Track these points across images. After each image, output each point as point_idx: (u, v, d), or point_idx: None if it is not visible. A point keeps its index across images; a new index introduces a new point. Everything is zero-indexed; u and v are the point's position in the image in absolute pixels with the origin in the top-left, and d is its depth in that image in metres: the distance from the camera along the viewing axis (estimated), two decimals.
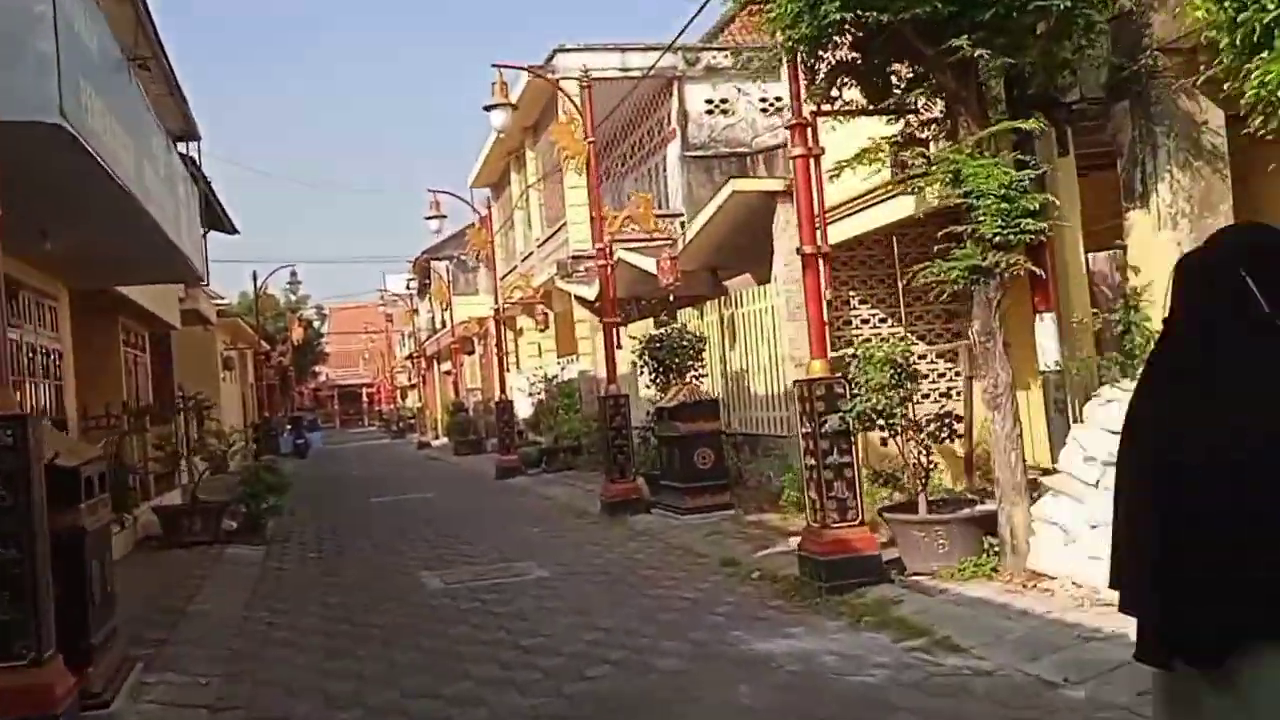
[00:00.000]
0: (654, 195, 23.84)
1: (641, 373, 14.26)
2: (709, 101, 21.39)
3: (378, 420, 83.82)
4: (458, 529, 13.46)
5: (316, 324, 50.93)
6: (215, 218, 26.41)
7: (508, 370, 22.04)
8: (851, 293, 12.57)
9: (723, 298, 14.67)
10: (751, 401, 13.70)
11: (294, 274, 31.70)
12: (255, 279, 30.12)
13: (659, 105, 22.13)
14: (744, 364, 13.95)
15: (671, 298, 13.89)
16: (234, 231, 27.40)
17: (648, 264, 15.55)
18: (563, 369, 22.14)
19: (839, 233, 11.64)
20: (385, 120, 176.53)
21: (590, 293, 19.79)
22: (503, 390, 21.42)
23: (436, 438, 41.68)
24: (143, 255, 10.94)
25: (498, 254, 31.53)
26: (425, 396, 43.92)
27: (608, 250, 13.53)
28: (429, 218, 21.73)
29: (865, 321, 12.55)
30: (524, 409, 26.18)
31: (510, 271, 27.96)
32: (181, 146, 20.51)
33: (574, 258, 21.50)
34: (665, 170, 22.93)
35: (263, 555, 12.19)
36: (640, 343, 13.70)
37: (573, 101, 14.56)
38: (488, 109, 20.37)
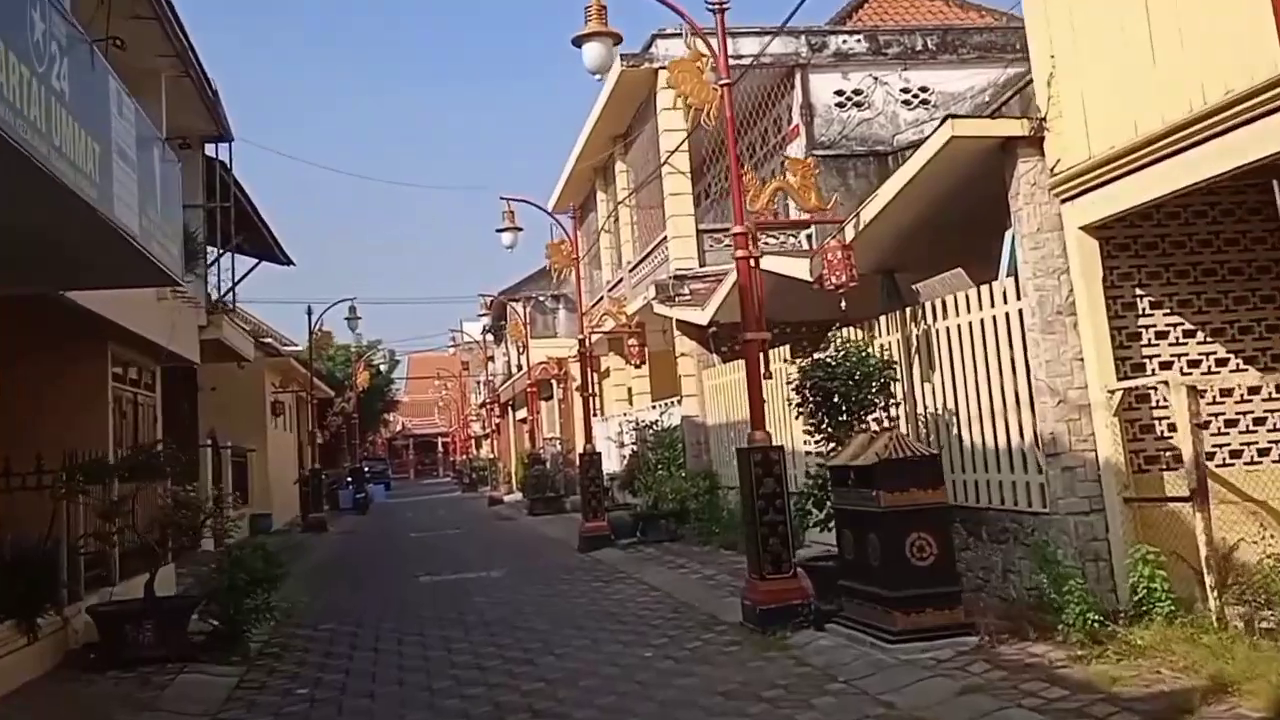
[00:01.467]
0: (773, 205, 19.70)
1: (796, 416, 9.95)
2: (839, 93, 17.24)
3: (452, 471, 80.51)
4: (531, 643, 9.16)
5: (384, 368, 47.39)
6: (266, 246, 22.92)
7: (594, 415, 17.76)
8: (1139, 291, 8.15)
9: (907, 310, 10.30)
10: (966, 457, 9.25)
11: (353, 309, 27.98)
12: (310, 314, 26.54)
13: (778, 99, 17.99)
14: (949, 401, 9.53)
15: (842, 306, 9.56)
16: (288, 262, 24.07)
17: (795, 269, 11.27)
18: (662, 414, 17.86)
19: (1117, 195, 7.35)
20: (460, 153, 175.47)
21: (700, 316, 15.52)
22: (588, 439, 17.20)
23: (510, 491, 37.62)
24: (76, 242, 7.10)
25: (581, 286, 27.61)
26: (499, 447, 39.91)
27: (749, 236, 9.22)
28: (502, 230, 17.71)
29: (1163, 335, 8.11)
30: (611, 463, 22.02)
31: (596, 303, 23.86)
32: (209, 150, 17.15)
33: (677, 277, 17.32)
34: (785, 175, 18.73)
35: (231, 686, 8.01)
36: (799, 372, 9.39)
37: (693, 27, 10.37)
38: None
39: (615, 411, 24.24)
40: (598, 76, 15.85)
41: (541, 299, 43.84)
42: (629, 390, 23.57)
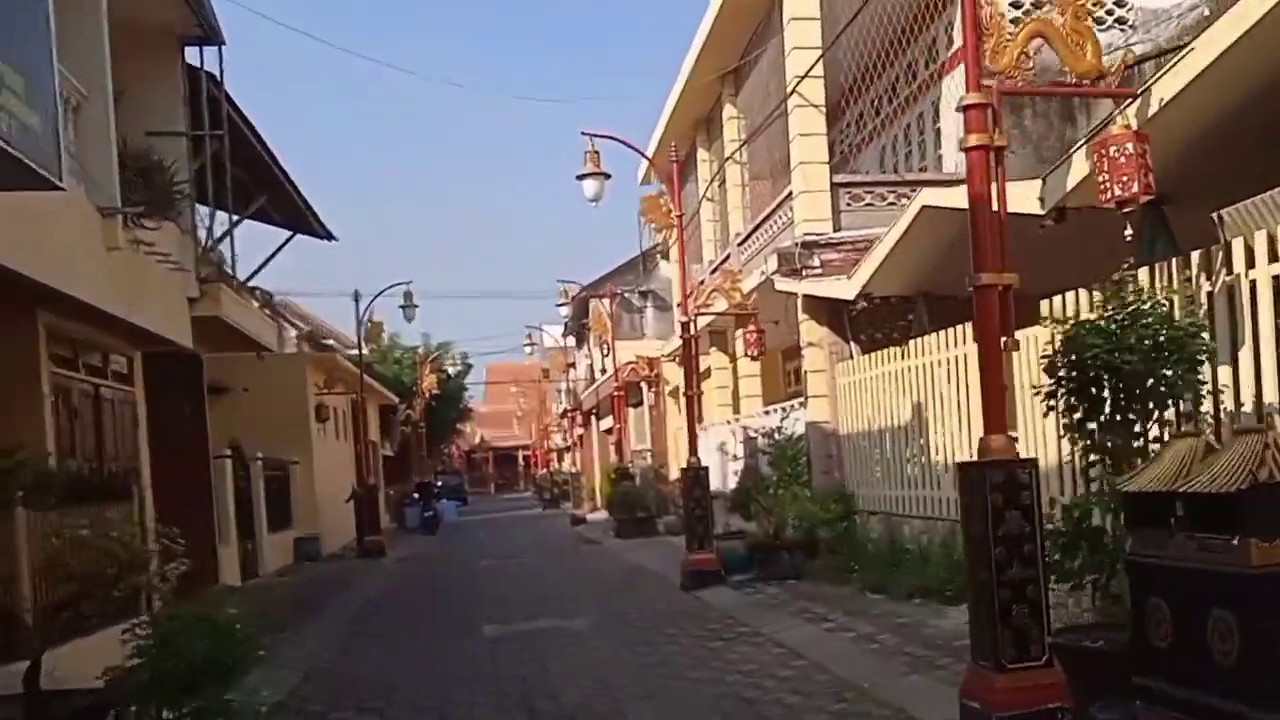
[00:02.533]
0: (916, 159, 16.22)
1: (1046, 413, 6.47)
2: (1015, 5, 13.67)
3: (532, 486, 77.65)
4: None
5: (455, 372, 44.45)
6: (295, 212, 19.78)
7: (699, 422, 14.38)
8: None
9: (1195, 255, 6.76)
10: None
11: (408, 295, 24.88)
12: (357, 301, 23.54)
13: (926, 25, 14.50)
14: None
15: (1127, 235, 6.05)
16: (328, 236, 21.08)
17: (1021, 195, 7.73)
18: (784, 420, 14.40)
19: None
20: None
21: (843, 289, 12.07)
22: (693, 451, 13.81)
23: (594, 509, 34.37)
24: None
25: (684, 253, 24.27)
26: (581, 460, 36.73)
27: (986, 112, 5.72)
28: (582, 176, 14.39)
29: None
30: (713, 480, 18.66)
31: (698, 286, 20.54)
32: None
33: (804, 245, 13.88)
34: (936, 120, 15.27)
35: None
36: (1058, 351, 5.89)
37: None
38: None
39: (716, 419, 20.85)
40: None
41: (627, 295, 40.64)
42: (733, 393, 20.18)
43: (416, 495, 33.78)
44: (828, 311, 13.77)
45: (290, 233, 20.87)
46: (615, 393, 25.30)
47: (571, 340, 54.23)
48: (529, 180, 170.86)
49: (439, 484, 51.09)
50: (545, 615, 12.13)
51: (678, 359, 24.90)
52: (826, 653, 8.31)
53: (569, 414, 32.91)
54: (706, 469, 13.68)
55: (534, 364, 63.60)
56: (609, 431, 37.08)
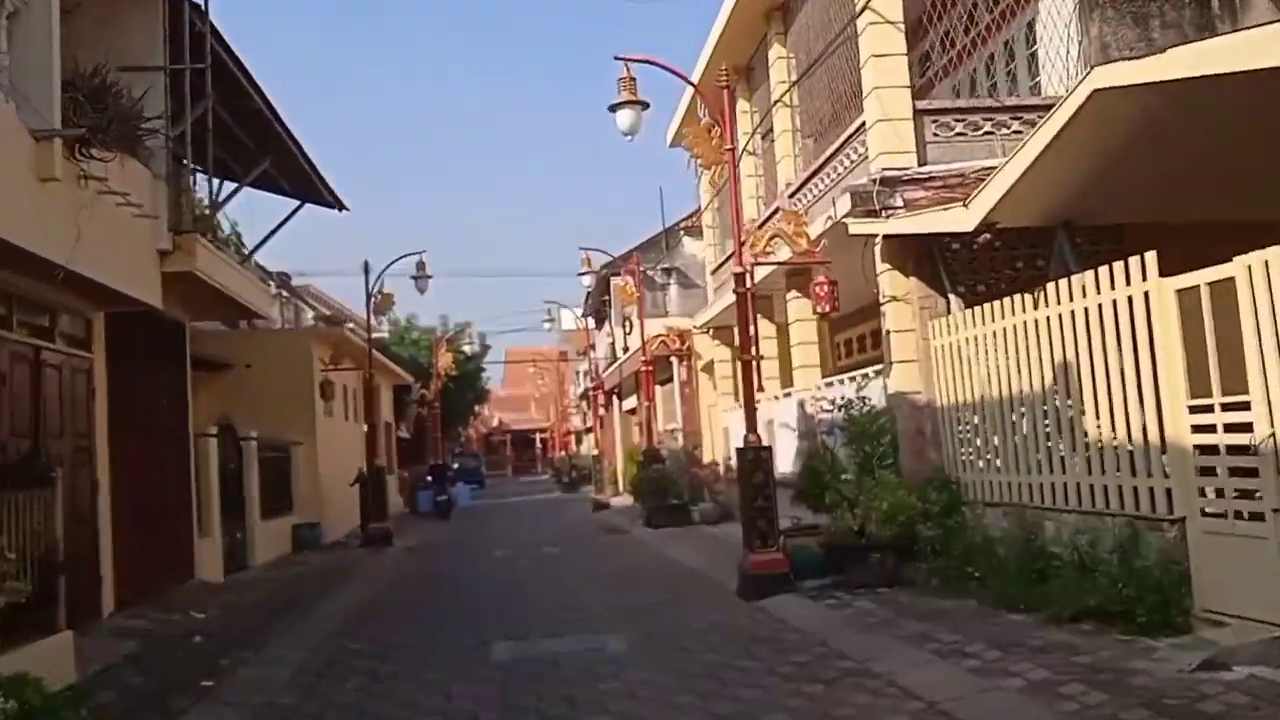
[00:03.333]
0: (1005, 91, 13.60)
1: None
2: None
3: (551, 469, 75.46)
4: None
5: (469, 349, 41.94)
6: (310, 186, 17.65)
7: (758, 391, 11.78)
8: None
9: None
10: None
11: (421, 266, 22.34)
12: (367, 272, 21.00)
13: None
14: None
15: None
16: (339, 205, 18.98)
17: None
18: (860, 391, 11.80)
19: None
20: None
21: (958, 219, 9.50)
22: (752, 426, 11.24)
23: (617, 493, 31.94)
24: None
25: (739, 192, 21.77)
26: (603, 443, 34.29)
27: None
28: (616, 107, 11.86)
29: None
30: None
31: (756, 231, 18.04)
32: None
33: (883, 181, 11.32)
34: (1033, 36, 12.76)
35: None
36: None
37: None
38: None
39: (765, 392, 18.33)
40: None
41: (649, 273, 38.23)
42: (781, 365, 17.64)
43: (430, 478, 31.38)
44: (917, 258, 11.25)
45: (299, 202, 18.87)
46: (643, 368, 22.74)
47: (591, 322, 51.90)
48: (549, 159, 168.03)
49: (455, 466, 48.85)
50: (571, 629, 9.68)
51: (711, 331, 22.44)
52: (997, 715, 5.79)
53: (591, 391, 30.40)
54: (769, 449, 11.13)
55: (553, 349, 61.30)
56: (632, 412, 34.63)
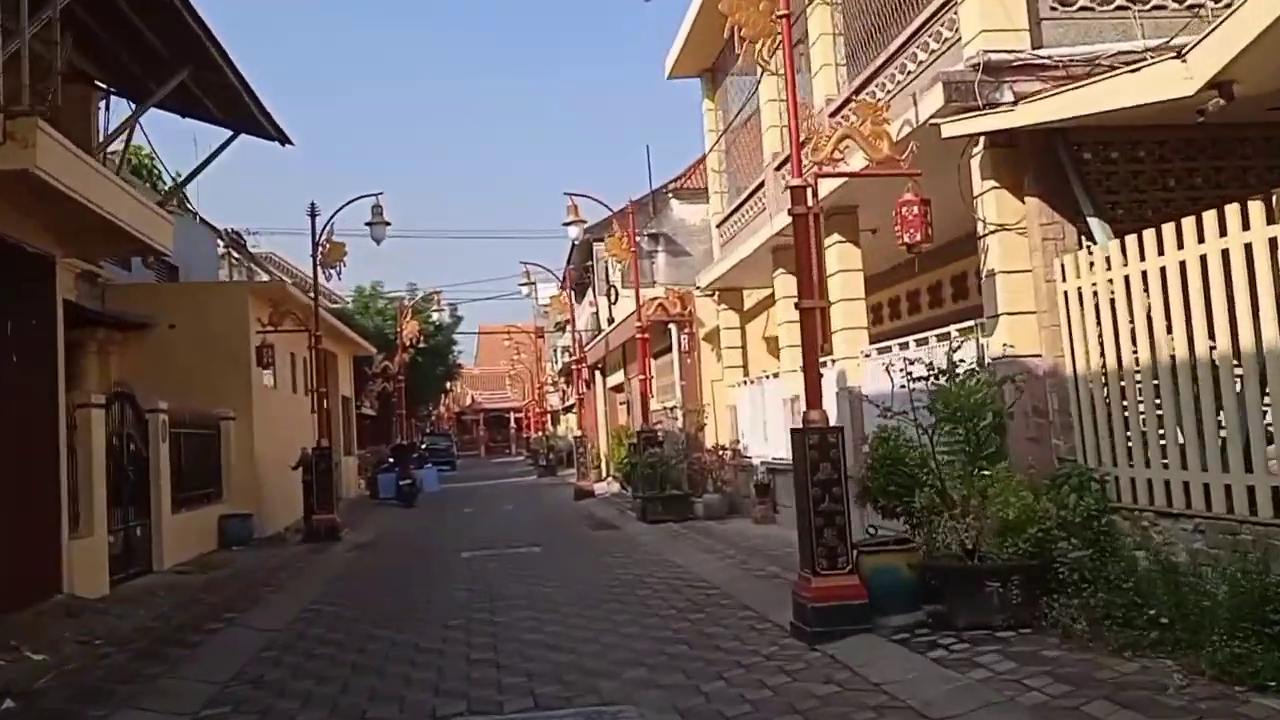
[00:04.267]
0: None
1: None
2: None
3: (525, 449, 72.41)
4: None
5: (439, 318, 38.57)
6: (243, 110, 14.26)
7: (821, 349, 8.65)
8: None
9: None
10: None
11: (378, 210, 18.90)
12: (313, 217, 17.62)
13: None
14: None
15: None
16: (284, 140, 15.91)
17: None
18: (952, 352, 8.72)
19: None
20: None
21: (1160, 85, 6.39)
22: (814, 401, 8.10)
23: (600, 478, 28.92)
24: None
25: (721, 164, 18.68)
26: (584, 422, 31.21)
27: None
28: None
29: None
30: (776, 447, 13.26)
31: (815, 131, 15.08)
32: None
33: (987, 68, 8.25)
34: None
35: None
36: None
37: None
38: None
39: (787, 364, 15.33)
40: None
41: (636, 239, 35.19)
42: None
43: (391, 460, 28.21)
44: (1038, 172, 8.22)
45: (231, 132, 15.81)
46: (638, 335, 19.63)
47: (571, 295, 48.67)
48: (531, 123, 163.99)
49: (423, 446, 45.60)
50: (563, 684, 6.66)
51: (716, 294, 19.40)
52: None
53: (574, 366, 27.26)
54: (838, 432, 8.03)
55: (529, 325, 58.08)
56: (618, 389, 31.60)
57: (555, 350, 57.02)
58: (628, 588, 10.85)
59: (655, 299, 19.98)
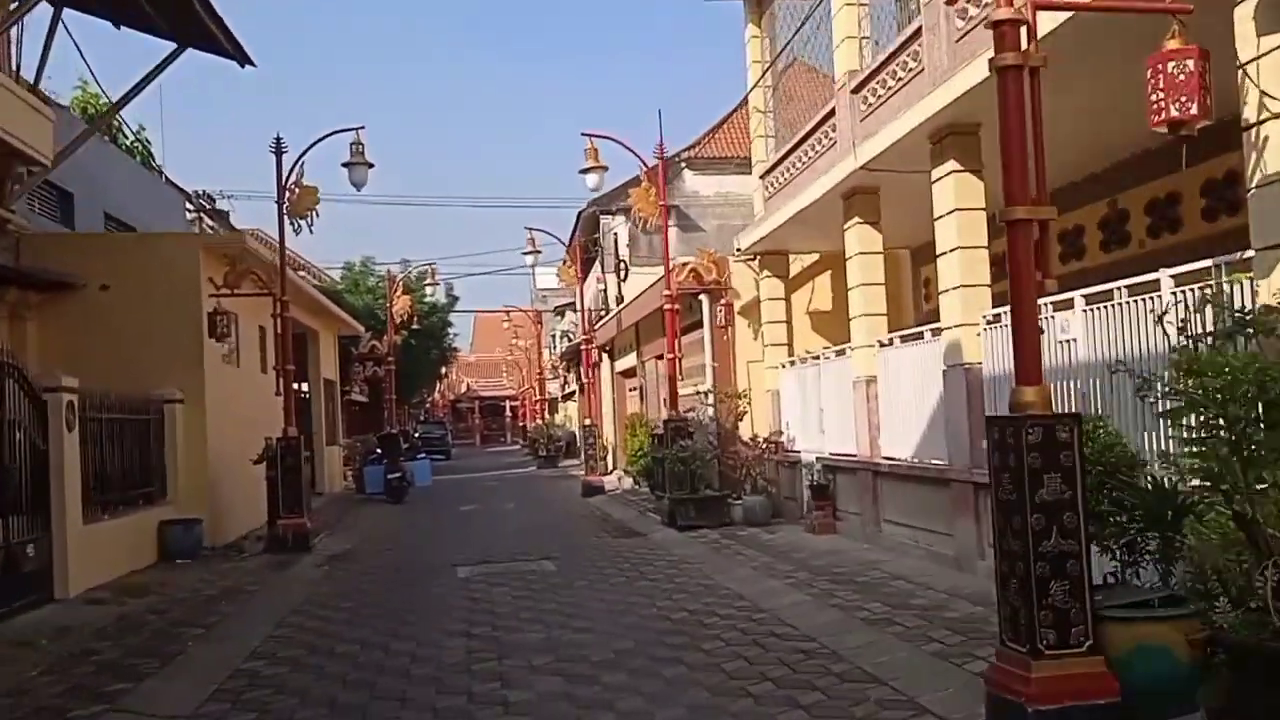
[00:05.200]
0: None
1: None
2: None
3: (521, 438, 69.42)
4: None
5: (432, 295, 35.39)
6: (193, 18, 11.07)
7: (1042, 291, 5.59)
8: None
9: None
10: None
11: (359, 149, 15.67)
12: (278, 154, 14.45)
13: None
14: None
15: None
16: (243, 59, 13.15)
17: None
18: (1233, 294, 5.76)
19: None
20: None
21: None
22: (1030, 373, 5.07)
23: (607, 471, 25.89)
24: None
25: (767, 104, 15.63)
26: (591, 410, 28.20)
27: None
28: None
29: None
30: (831, 444, 10.40)
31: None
32: None
33: None
34: None
35: None
36: None
37: None
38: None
39: (860, 338, 12.43)
40: None
41: (640, 218, 32.19)
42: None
43: (379, 451, 25.17)
44: None
45: (176, 45, 13.03)
46: (667, 306, 16.58)
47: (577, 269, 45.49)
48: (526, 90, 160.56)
49: (418, 435, 42.47)
50: None
51: (758, 259, 16.44)
52: None
53: (584, 346, 24.13)
54: (1074, 420, 4.99)
55: (530, 311, 54.96)
56: (627, 373, 28.60)
57: (554, 336, 54.02)
58: (687, 637, 7.85)
59: (687, 263, 16.91)
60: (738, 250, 16.41)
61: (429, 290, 31.73)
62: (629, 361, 27.69)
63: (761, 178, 16.14)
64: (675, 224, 32.63)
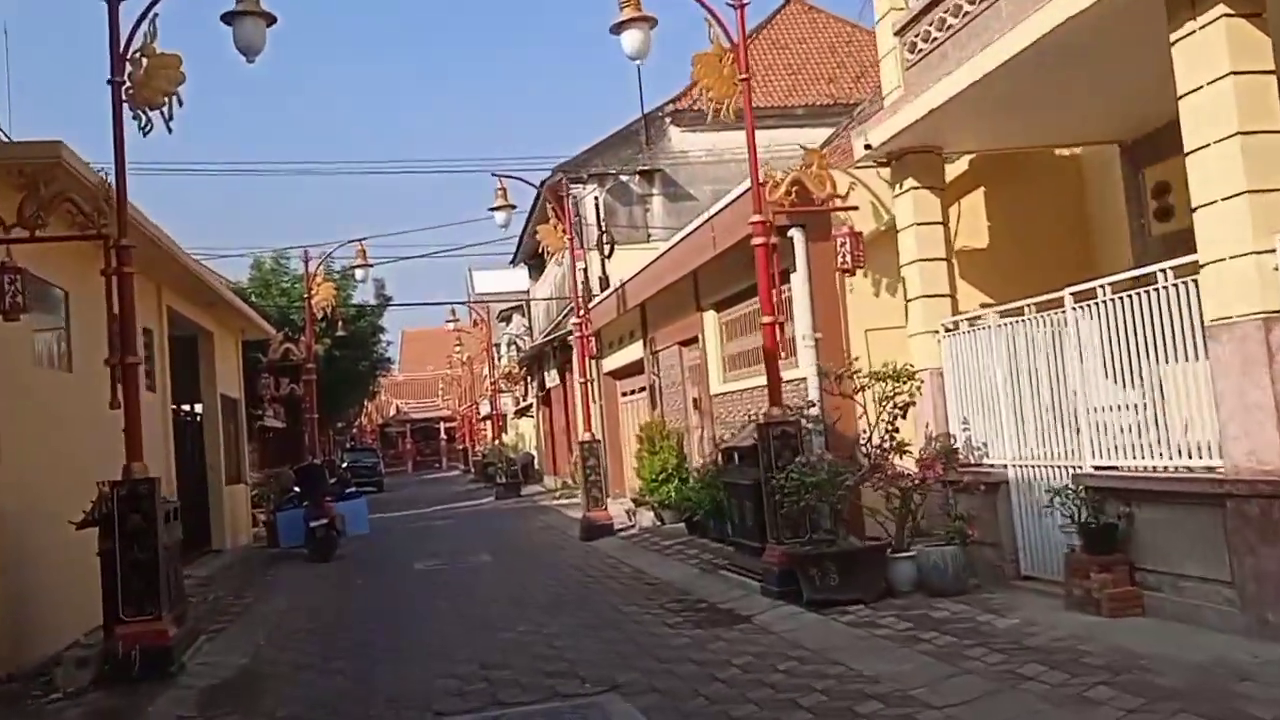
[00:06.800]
0: None
1: None
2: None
3: (462, 463, 62.41)
4: None
5: (360, 283, 28.51)
6: None
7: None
8: None
9: None
10: None
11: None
12: (113, 32, 8.03)
13: None
14: None
15: None
16: None
17: None
18: None
19: None
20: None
21: None
22: None
23: (612, 496, 19.24)
24: None
25: None
26: (550, 425, 21.71)
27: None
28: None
29: None
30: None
31: None
32: None
33: None
34: None
35: None
36: None
37: None
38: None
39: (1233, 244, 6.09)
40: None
41: (624, 180, 26.24)
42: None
43: (298, 489, 18.41)
44: None
45: None
46: (760, 239, 10.16)
47: (523, 271, 39.06)
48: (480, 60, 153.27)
49: (345, 465, 35.40)
50: None
51: (892, 161, 10.24)
52: None
53: (578, 337, 17.47)
54: None
55: (464, 326, 48.20)
56: (620, 374, 22.22)
57: (500, 345, 47.51)
58: None
59: (791, 174, 10.45)
60: (866, 148, 10.19)
61: (358, 275, 24.96)
62: (623, 359, 21.38)
63: (898, 34, 10.03)
64: (660, 192, 26.70)
